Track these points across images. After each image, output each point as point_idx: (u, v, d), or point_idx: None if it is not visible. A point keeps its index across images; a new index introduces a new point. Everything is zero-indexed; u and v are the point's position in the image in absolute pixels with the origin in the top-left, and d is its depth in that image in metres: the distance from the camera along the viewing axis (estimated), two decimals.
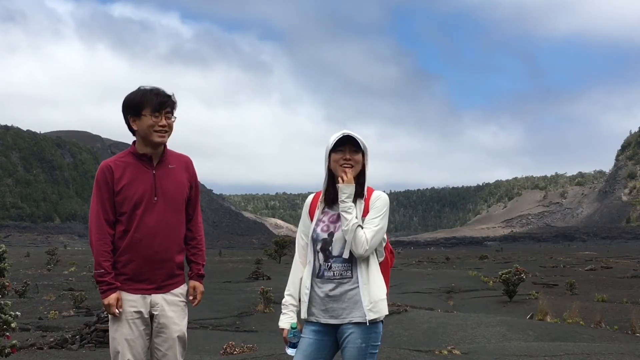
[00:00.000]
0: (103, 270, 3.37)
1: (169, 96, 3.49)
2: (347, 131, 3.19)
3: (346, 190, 3.14)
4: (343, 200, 3.13)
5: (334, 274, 3.15)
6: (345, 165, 3.17)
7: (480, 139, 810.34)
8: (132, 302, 3.42)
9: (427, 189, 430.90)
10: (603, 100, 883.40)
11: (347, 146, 3.17)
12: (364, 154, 3.22)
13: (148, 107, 3.41)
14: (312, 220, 3.27)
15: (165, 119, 3.45)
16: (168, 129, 3.47)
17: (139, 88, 3.48)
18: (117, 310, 3.37)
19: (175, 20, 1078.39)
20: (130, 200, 3.41)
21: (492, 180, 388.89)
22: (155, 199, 3.46)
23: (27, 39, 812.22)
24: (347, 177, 3.15)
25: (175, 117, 3.53)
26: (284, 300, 3.32)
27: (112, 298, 3.36)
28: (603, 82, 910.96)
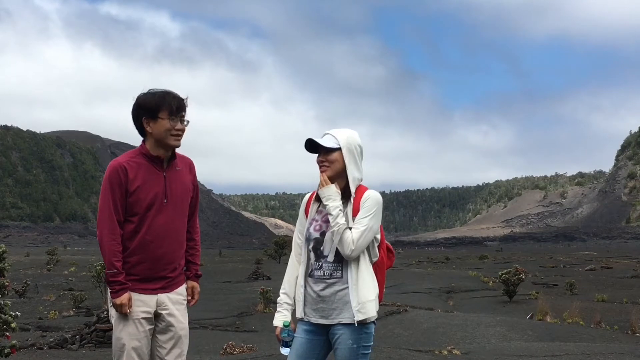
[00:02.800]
0: (116, 270, 3.38)
1: (184, 99, 3.49)
2: (328, 132, 3.22)
3: (324, 193, 3.16)
4: (326, 203, 3.14)
5: (324, 273, 3.16)
6: (321, 167, 3.19)
7: (470, 139, 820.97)
8: (140, 302, 3.44)
9: (427, 189, 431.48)
10: (589, 101, 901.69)
11: (321, 147, 3.19)
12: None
13: (165, 110, 3.40)
14: (307, 219, 3.30)
15: (180, 123, 3.46)
16: (182, 133, 3.48)
17: (150, 90, 3.47)
18: (128, 310, 3.39)
19: (166, 20, 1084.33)
20: (144, 202, 3.42)
21: (486, 181, 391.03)
22: (165, 201, 3.47)
23: (14, 38, 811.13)
24: (322, 180, 3.18)
25: (188, 121, 3.52)
26: (278, 299, 3.33)
27: (124, 297, 3.38)
28: (588, 83, 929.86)
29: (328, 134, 3.21)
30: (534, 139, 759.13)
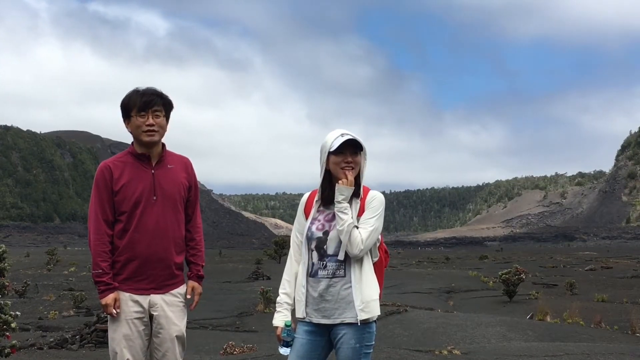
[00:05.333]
0: (101, 271, 3.37)
1: (156, 95, 3.47)
2: (346, 132, 3.18)
3: (344, 192, 3.13)
4: (339, 201, 3.12)
5: (327, 272, 3.15)
6: (347, 168, 3.16)
7: (462, 139, 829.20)
8: (131, 302, 3.42)
9: (427, 189, 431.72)
10: (579, 101, 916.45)
11: (348, 148, 3.15)
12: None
13: (134, 107, 3.43)
14: (307, 218, 3.27)
15: (154, 118, 3.44)
16: (158, 128, 3.46)
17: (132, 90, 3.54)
18: (114, 311, 3.37)
19: (157, 19, 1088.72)
20: (130, 199, 3.42)
21: (480, 180, 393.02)
22: (155, 198, 3.45)
23: (4, 37, 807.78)
24: (348, 179, 3.14)
25: (166, 118, 3.51)
26: (278, 299, 3.31)
27: (109, 298, 3.36)
28: (576, 84, 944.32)
29: (348, 134, 3.17)
30: (526, 139, 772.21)
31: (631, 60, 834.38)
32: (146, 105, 3.42)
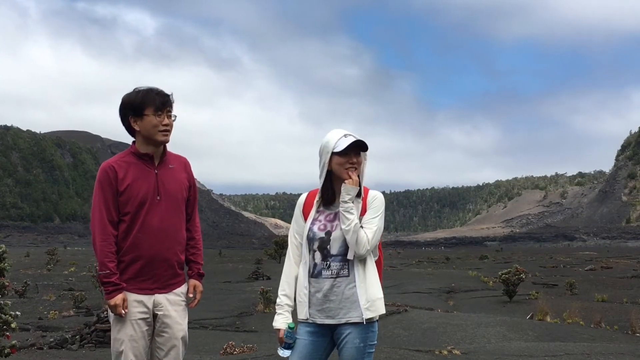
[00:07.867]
0: (109, 271, 3.34)
1: (168, 95, 3.48)
2: (349, 133, 3.18)
3: (351, 191, 3.12)
4: (345, 201, 3.11)
5: (331, 272, 3.14)
6: (350, 167, 3.16)
7: (455, 139, 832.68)
8: (136, 303, 3.41)
9: (427, 189, 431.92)
10: (571, 102, 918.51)
11: (353, 149, 3.15)
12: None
13: (150, 106, 3.40)
14: (305, 219, 3.25)
15: (168, 118, 3.45)
16: (170, 128, 3.47)
17: (135, 89, 3.47)
18: (123, 311, 3.35)
19: (146, 17, 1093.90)
20: (135, 200, 3.40)
21: (475, 181, 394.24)
22: (158, 198, 3.44)
23: None
24: (353, 179, 3.14)
25: (176, 116, 3.52)
26: (278, 300, 3.28)
27: (118, 299, 3.34)
28: (568, 85, 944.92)
29: (352, 135, 3.17)
30: (522, 139, 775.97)
31: (621, 61, 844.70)
32: (163, 105, 3.42)
